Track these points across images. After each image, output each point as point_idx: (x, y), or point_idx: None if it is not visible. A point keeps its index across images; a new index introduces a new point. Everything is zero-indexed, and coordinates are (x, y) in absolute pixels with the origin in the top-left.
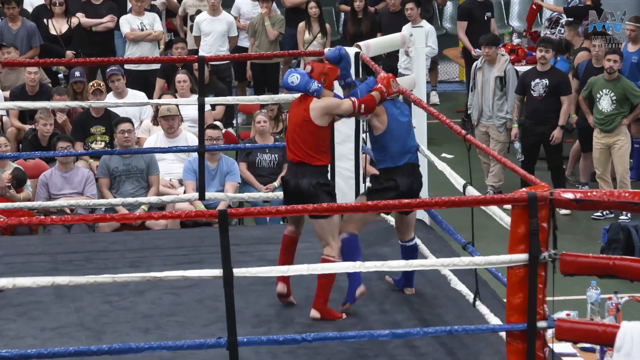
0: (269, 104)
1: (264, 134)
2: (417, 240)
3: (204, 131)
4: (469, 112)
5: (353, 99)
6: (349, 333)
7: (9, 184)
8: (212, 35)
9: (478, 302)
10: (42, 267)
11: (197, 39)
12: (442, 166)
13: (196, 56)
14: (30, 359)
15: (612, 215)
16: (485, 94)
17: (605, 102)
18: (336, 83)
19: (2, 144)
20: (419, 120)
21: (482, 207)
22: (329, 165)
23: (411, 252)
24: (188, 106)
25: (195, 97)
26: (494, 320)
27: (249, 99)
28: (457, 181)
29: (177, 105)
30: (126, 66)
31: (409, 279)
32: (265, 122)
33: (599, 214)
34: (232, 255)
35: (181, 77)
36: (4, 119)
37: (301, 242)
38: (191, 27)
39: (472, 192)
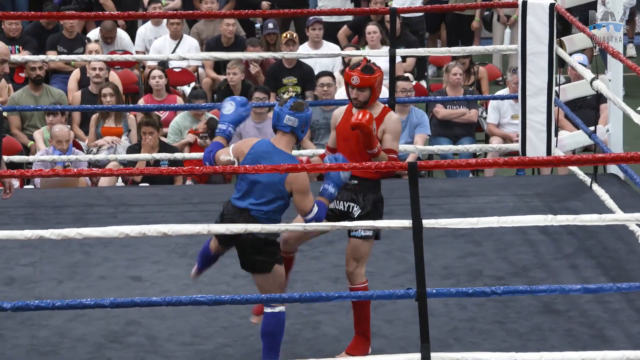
0: (460, 57)
1: (456, 87)
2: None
3: (395, 83)
4: None
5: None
6: (539, 287)
7: (206, 134)
8: None
9: None
10: None
11: None
12: (638, 119)
13: (387, 7)
14: (224, 304)
15: None
16: None
17: None
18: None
19: (107, 94)
20: (615, 73)
21: None
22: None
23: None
24: (378, 58)
25: (385, 48)
26: None
27: (440, 50)
28: None
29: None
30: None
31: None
32: (460, 75)
33: None
34: (421, 207)
35: (372, 28)
36: (199, 70)
37: (487, 196)
38: None
39: None
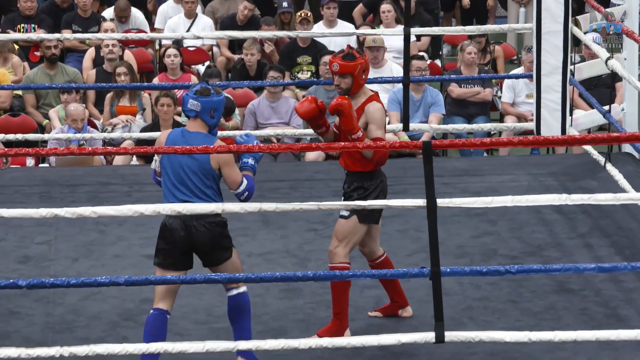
0: (476, 36)
1: (470, 66)
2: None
3: (409, 62)
4: None
5: None
6: (554, 266)
7: None
8: None
9: None
10: None
11: None
12: None
13: None
14: (237, 283)
15: None
16: None
17: None
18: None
19: (122, 73)
20: (630, 52)
21: None
22: None
23: None
24: (393, 37)
25: (400, 27)
26: None
27: (455, 29)
28: None
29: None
30: None
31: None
32: (475, 54)
33: None
34: (435, 186)
35: (386, 7)
36: (214, 49)
37: (501, 176)
38: None
39: None
